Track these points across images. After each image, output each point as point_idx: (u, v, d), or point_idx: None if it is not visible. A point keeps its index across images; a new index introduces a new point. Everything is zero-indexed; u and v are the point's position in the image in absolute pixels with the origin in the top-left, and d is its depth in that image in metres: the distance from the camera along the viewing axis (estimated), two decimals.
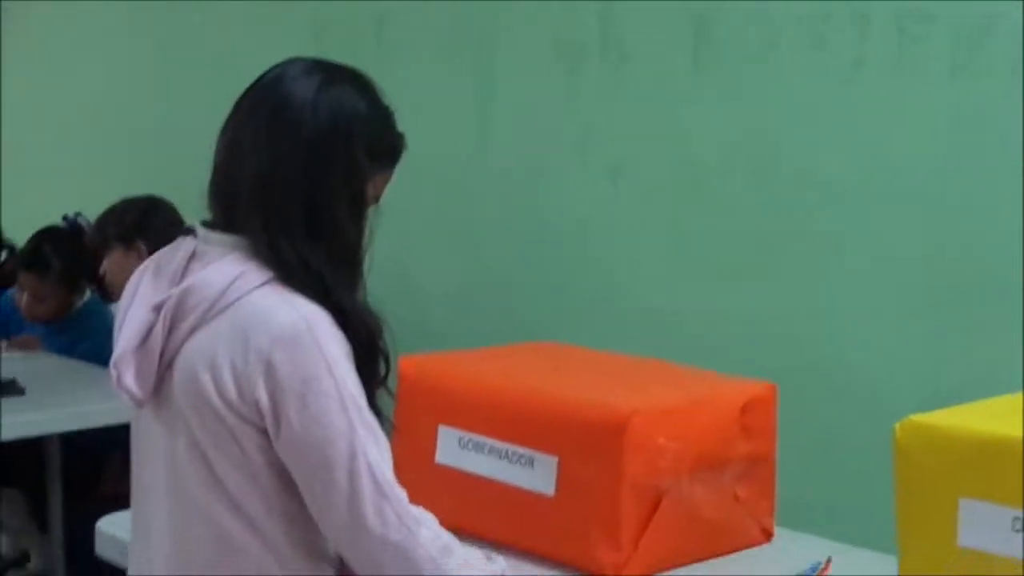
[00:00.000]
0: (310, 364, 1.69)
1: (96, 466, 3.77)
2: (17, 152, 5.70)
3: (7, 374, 3.57)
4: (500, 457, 2.18)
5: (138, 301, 1.80)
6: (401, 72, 3.67)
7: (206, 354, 1.72)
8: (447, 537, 1.78)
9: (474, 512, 2.23)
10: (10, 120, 5.76)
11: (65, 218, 4.15)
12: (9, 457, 3.75)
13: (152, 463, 1.83)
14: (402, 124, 1.88)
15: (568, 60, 3.55)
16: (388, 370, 1.84)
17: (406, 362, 2.34)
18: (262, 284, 1.73)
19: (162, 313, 1.75)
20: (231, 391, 1.70)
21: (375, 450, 1.72)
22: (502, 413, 2.19)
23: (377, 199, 1.85)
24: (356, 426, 1.71)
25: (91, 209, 3.99)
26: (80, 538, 3.56)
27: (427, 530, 1.75)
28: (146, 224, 3.74)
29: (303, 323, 1.70)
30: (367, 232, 1.83)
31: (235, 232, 1.77)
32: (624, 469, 2.07)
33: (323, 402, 1.69)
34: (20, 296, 4.06)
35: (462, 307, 3.89)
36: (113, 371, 1.80)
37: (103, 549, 2.32)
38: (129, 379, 1.78)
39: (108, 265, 3.75)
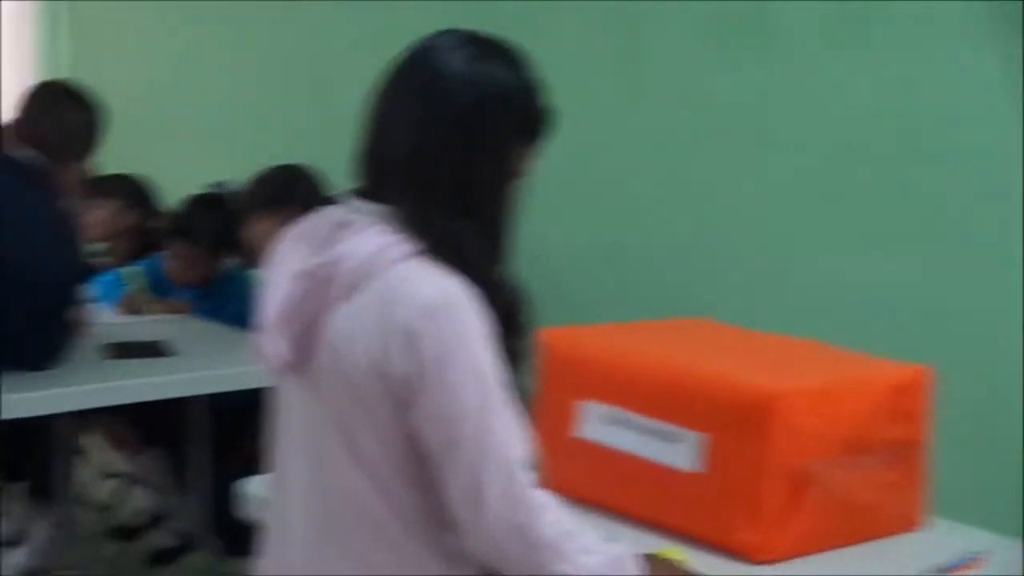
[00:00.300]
0: (450, 338, 1.69)
1: (237, 429, 3.83)
2: (170, 117, 5.80)
3: (156, 336, 3.64)
4: (644, 433, 2.16)
5: (284, 269, 1.81)
6: (546, 36, 3.64)
7: (350, 324, 1.73)
8: (570, 522, 1.76)
9: (615, 487, 2.22)
10: (164, 85, 5.86)
11: (213, 185, 4.22)
12: (153, 417, 3.83)
13: (293, 429, 1.85)
14: (547, 91, 1.86)
15: (718, 28, 3.50)
16: (529, 347, 1.83)
17: (549, 335, 2.34)
18: (408, 256, 1.73)
19: (307, 281, 1.76)
20: (372, 362, 1.71)
21: (507, 430, 1.71)
22: (648, 388, 2.17)
23: (525, 173, 1.84)
24: (489, 404, 1.70)
25: (241, 175, 4.04)
26: (219, 499, 3.64)
27: (550, 514, 1.73)
28: (291, 192, 3.77)
29: (446, 297, 1.70)
30: (515, 207, 1.82)
31: (383, 202, 1.77)
32: (770, 450, 2.04)
33: (458, 377, 1.68)
34: (169, 261, 4.14)
35: (600, 278, 3.86)
36: (257, 337, 1.81)
37: (244, 509, 2.35)
38: (273, 346, 1.79)
39: (253, 232, 3.80)
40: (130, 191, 4.49)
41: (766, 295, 3.41)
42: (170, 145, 5.66)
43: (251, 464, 2.38)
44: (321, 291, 1.75)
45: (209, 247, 4.08)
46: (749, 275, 3.48)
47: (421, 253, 1.73)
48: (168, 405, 3.49)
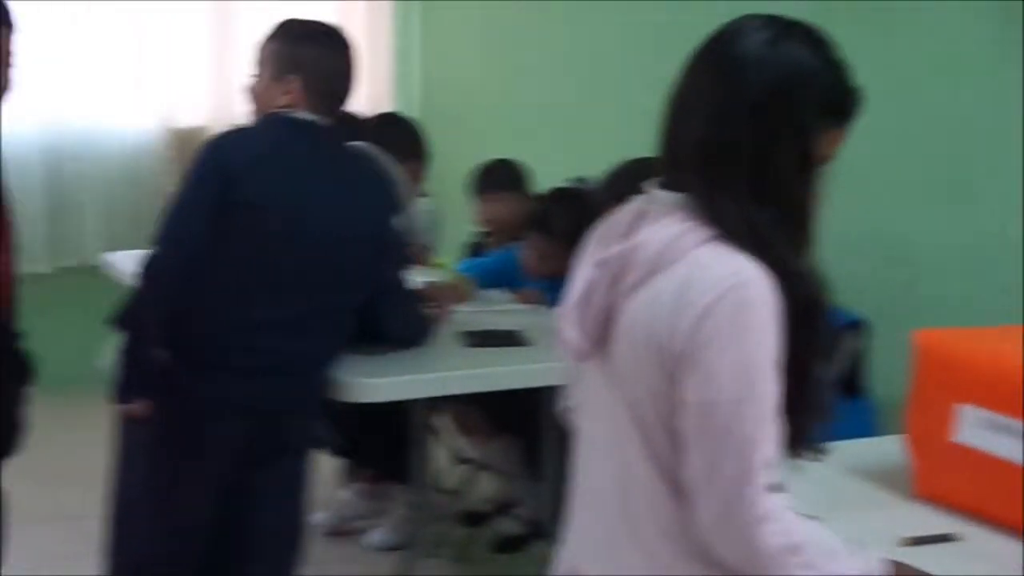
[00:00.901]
0: (731, 323, 1.67)
1: None
2: (516, 113, 5.90)
3: (512, 326, 3.72)
4: None
5: (587, 257, 1.84)
6: (932, 21, 3.53)
7: (645, 312, 1.73)
8: (800, 535, 1.70)
9: (991, 495, 2.14)
10: (510, 81, 5.97)
11: (573, 179, 4.26)
12: (503, 404, 3.91)
13: (596, 417, 1.86)
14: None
15: None
16: (828, 341, 1.78)
17: (924, 336, 2.28)
18: (703, 243, 1.72)
19: (606, 270, 1.78)
20: (664, 347, 1.71)
21: (759, 428, 1.67)
22: None
23: (829, 158, 1.79)
24: (747, 398, 1.67)
25: (591, 170, 4.08)
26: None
27: (776, 524, 1.68)
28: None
29: (735, 279, 1.68)
30: (816, 192, 1.78)
31: (680, 190, 1.77)
32: None
33: (723, 365, 1.66)
34: (525, 252, 4.20)
35: (963, 276, 3.71)
36: (557, 324, 1.84)
37: None
38: (571, 333, 1.82)
39: None
40: (515, 178, 4.57)
41: None
42: (515, 139, 5.74)
43: None
44: (617, 279, 1.77)
45: (565, 241, 4.10)
46: None
47: (715, 239, 1.72)
48: (518, 393, 3.56)
